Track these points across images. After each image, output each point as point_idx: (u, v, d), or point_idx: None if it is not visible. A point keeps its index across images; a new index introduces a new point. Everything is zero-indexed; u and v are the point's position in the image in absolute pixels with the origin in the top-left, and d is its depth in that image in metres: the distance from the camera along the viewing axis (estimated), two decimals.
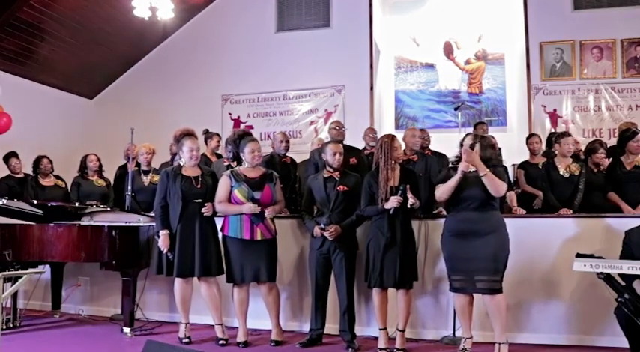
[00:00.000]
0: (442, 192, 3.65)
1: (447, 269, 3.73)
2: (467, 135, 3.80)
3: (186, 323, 4.26)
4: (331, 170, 4.11)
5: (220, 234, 4.17)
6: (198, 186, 4.15)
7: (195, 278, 4.23)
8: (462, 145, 3.66)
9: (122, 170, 6.09)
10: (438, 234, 4.20)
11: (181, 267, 4.10)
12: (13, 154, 5.88)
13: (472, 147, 3.57)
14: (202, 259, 4.10)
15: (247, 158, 4.11)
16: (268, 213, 4.03)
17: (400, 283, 3.76)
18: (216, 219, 4.27)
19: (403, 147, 4.90)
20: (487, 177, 3.46)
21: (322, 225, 3.94)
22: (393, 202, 3.71)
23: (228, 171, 4.17)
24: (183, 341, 4.15)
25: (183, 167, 4.23)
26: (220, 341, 4.14)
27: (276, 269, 4.12)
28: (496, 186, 3.47)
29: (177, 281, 4.21)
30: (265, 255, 4.04)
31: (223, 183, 4.12)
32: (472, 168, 3.60)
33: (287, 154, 5.40)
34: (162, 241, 4.09)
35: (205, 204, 4.12)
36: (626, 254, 3.50)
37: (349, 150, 5.33)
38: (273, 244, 4.13)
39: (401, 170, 3.90)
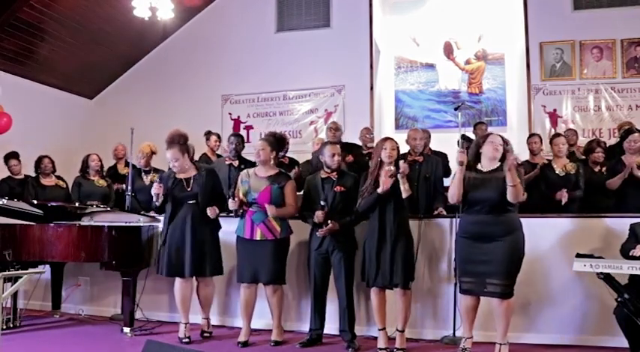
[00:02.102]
0: (452, 192, 3.60)
1: (457, 271, 3.72)
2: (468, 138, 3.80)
3: (186, 323, 4.26)
4: (329, 171, 4.11)
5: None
6: (189, 188, 4.17)
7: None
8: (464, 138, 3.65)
9: (111, 171, 6.09)
10: (438, 235, 4.22)
11: (170, 267, 4.15)
12: (12, 156, 5.83)
13: (467, 145, 3.59)
14: (193, 259, 4.11)
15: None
16: (269, 210, 4.00)
17: (394, 283, 3.75)
18: (225, 219, 4.33)
19: (407, 148, 4.93)
20: (515, 188, 3.36)
21: (322, 203, 3.92)
22: (389, 173, 3.70)
23: (245, 171, 4.24)
24: (183, 341, 4.15)
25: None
26: (205, 334, 4.28)
27: (281, 271, 4.07)
28: (518, 197, 3.41)
29: (177, 281, 4.24)
30: (267, 256, 4.00)
31: (238, 181, 4.20)
32: (491, 168, 3.54)
33: (286, 155, 5.43)
34: (155, 188, 4.12)
35: (208, 208, 4.14)
36: (628, 242, 3.51)
37: (347, 148, 5.35)
38: (278, 246, 4.06)
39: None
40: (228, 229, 4.35)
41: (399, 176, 3.68)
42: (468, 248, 3.55)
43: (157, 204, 4.16)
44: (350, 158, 5.12)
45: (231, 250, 4.25)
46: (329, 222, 3.92)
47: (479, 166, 3.61)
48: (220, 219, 4.36)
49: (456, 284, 3.89)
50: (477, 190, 3.50)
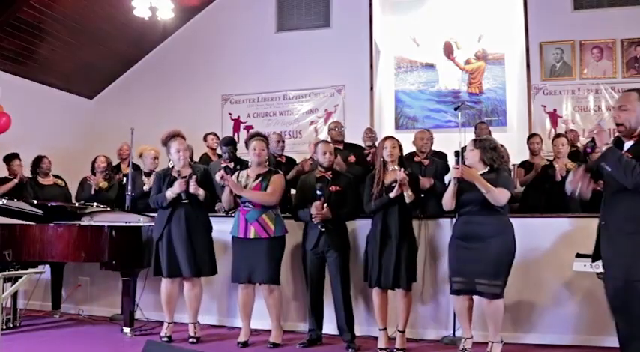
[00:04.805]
0: (446, 200, 3.66)
1: (448, 272, 3.73)
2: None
3: (169, 322, 4.27)
4: (323, 169, 4.10)
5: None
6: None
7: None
8: (460, 153, 3.65)
9: (115, 170, 6.08)
10: (439, 235, 4.22)
11: (169, 268, 4.14)
12: (15, 156, 5.79)
13: (457, 154, 3.60)
14: (189, 259, 4.10)
15: (250, 156, 4.16)
16: (227, 180, 3.94)
17: (396, 283, 3.75)
18: (218, 219, 4.30)
19: (409, 149, 4.95)
20: (490, 195, 3.45)
21: (318, 193, 3.88)
22: (397, 176, 3.69)
23: (238, 173, 4.22)
24: (163, 339, 4.14)
25: (173, 168, 4.26)
26: (190, 339, 4.18)
27: (276, 271, 4.05)
28: (497, 200, 3.46)
29: (164, 281, 4.23)
30: (261, 255, 3.98)
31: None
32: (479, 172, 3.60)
33: (283, 154, 5.45)
34: (179, 186, 4.06)
35: (184, 179, 4.07)
36: None
37: (349, 148, 5.37)
38: (273, 244, 4.04)
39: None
40: (223, 229, 4.36)
41: (399, 183, 3.70)
42: (459, 248, 3.59)
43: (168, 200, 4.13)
44: (352, 158, 5.14)
45: (225, 250, 4.24)
46: (324, 206, 3.90)
47: None
48: (213, 220, 4.36)
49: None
50: (468, 192, 3.56)
